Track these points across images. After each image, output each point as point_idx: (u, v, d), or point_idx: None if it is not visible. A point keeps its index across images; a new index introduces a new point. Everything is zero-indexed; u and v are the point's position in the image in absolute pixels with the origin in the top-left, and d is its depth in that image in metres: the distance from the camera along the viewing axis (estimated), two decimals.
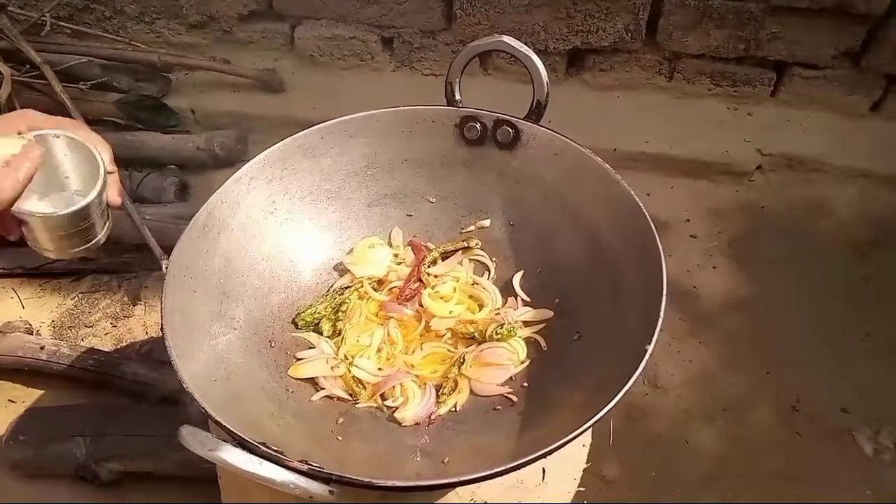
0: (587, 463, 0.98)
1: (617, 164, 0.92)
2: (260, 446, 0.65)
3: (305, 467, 0.64)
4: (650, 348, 0.73)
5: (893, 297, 1.61)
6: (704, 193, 1.84)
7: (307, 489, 0.61)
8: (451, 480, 0.68)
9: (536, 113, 0.99)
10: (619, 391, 0.70)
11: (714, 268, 1.69)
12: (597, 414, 0.69)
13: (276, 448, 0.66)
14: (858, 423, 1.41)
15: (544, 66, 0.95)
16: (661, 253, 0.81)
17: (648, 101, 1.96)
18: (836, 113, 1.90)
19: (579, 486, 0.96)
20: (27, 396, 1.39)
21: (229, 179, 0.94)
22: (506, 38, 0.96)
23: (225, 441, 0.64)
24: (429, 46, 1.95)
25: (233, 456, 0.61)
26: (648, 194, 1.71)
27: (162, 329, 0.77)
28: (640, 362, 0.72)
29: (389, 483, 0.65)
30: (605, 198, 0.92)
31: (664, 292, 0.78)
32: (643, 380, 1.46)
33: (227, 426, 0.68)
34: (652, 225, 0.84)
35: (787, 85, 1.89)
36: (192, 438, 0.60)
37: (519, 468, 0.68)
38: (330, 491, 0.62)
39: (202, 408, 0.70)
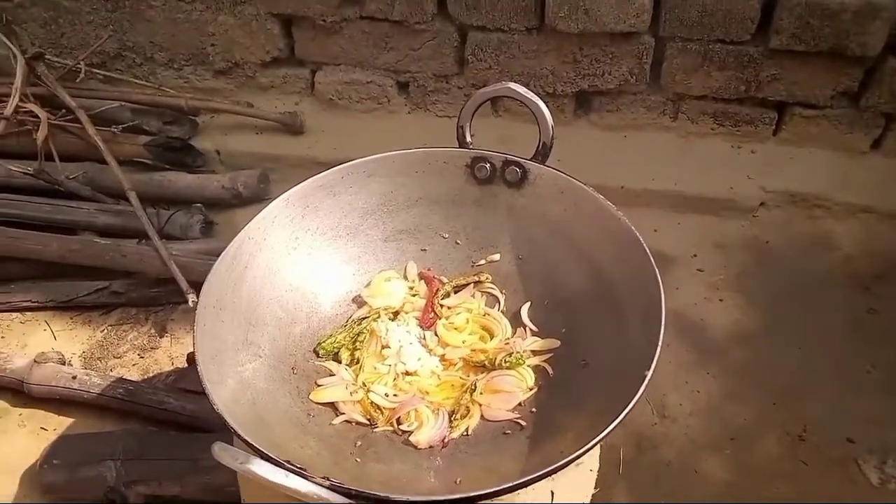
0: (596, 489, 1.01)
1: (624, 202, 0.97)
2: (285, 463, 0.71)
3: (328, 483, 0.69)
4: (649, 374, 0.78)
5: None
6: (710, 229, 1.88)
7: (330, 501, 0.66)
8: (462, 496, 0.73)
9: (542, 154, 1.06)
10: (621, 413, 0.75)
11: (721, 301, 1.73)
12: (599, 434, 0.74)
13: (299, 466, 0.71)
14: (864, 453, 1.43)
15: (553, 108, 1.03)
16: (660, 283, 0.87)
17: (654, 141, 2.02)
18: (837, 150, 1.95)
19: None
20: (59, 424, 1.45)
21: (255, 217, 1.01)
22: (512, 85, 1.04)
23: None
24: (442, 90, 2.04)
25: (262, 468, 0.66)
26: (655, 230, 1.76)
27: (194, 355, 0.83)
28: (640, 387, 0.77)
29: (405, 498, 0.70)
30: (608, 232, 0.98)
31: (663, 320, 0.83)
32: (652, 410, 1.49)
33: (255, 445, 0.73)
34: (651, 257, 0.90)
35: (789, 124, 1.95)
36: (225, 453, 0.66)
37: (527, 485, 0.73)
38: None
39: (232, 429, 0.76)
